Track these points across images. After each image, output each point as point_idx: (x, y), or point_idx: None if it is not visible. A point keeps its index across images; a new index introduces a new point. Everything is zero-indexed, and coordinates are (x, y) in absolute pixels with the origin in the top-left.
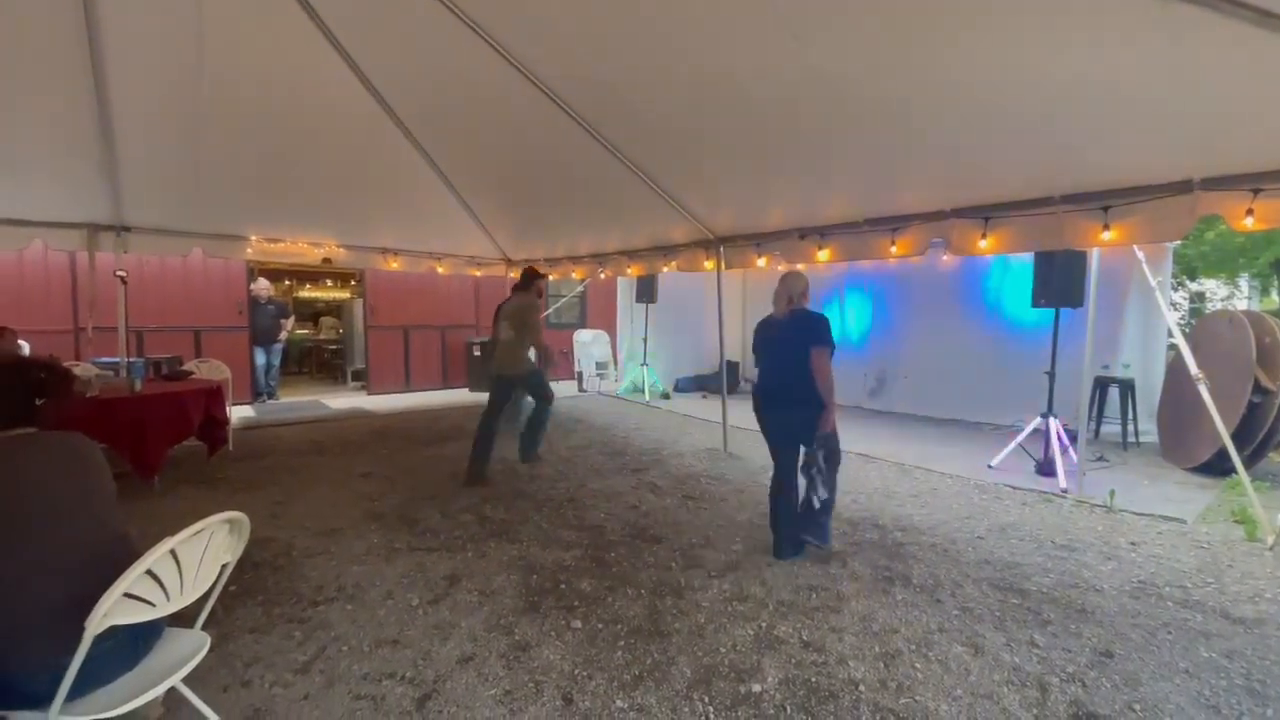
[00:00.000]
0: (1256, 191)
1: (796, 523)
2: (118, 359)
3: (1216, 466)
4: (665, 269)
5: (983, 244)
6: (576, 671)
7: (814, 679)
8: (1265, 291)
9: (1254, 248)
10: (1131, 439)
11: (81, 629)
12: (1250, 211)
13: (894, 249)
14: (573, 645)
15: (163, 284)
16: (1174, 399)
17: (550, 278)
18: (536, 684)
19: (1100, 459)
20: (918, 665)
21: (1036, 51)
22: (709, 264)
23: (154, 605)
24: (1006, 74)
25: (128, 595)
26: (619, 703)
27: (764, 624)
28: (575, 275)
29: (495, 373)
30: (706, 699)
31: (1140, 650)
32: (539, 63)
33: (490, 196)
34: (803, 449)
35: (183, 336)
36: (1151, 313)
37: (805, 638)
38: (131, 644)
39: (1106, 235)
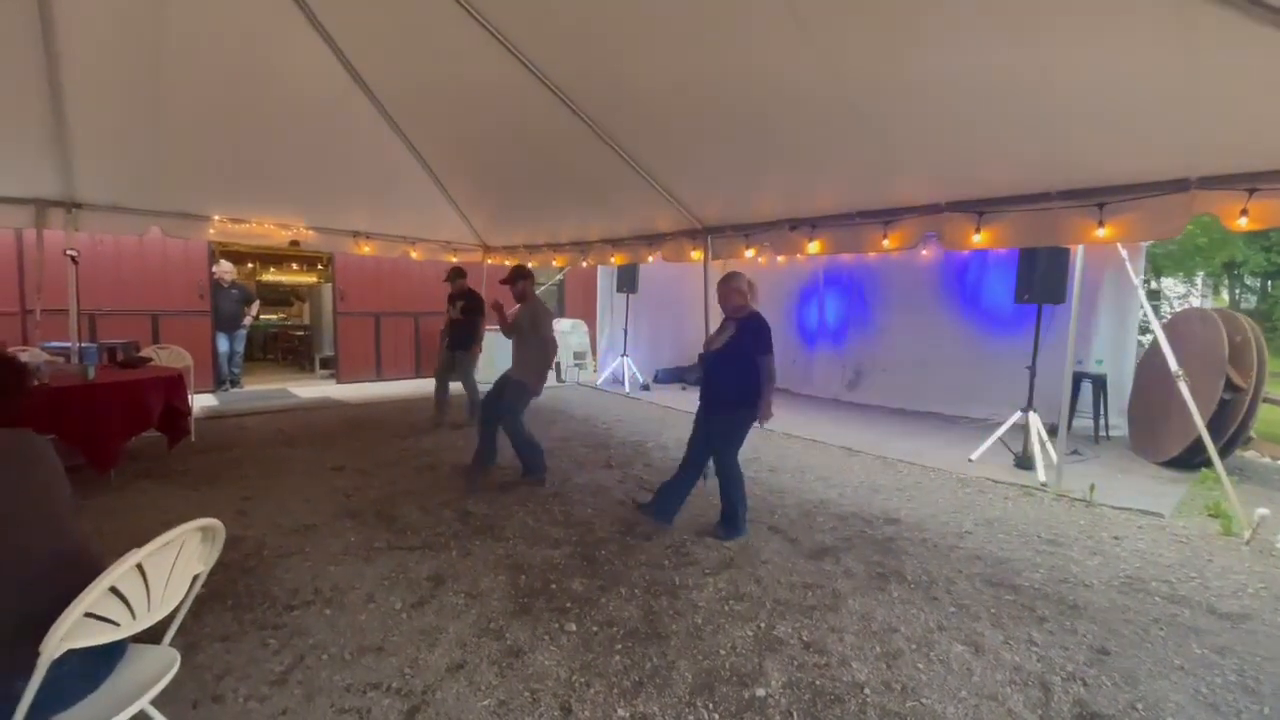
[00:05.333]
0: (1252, 191)
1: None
2: (69, 344)
3: (1186, 461)
4: (650, 259)
5: (976, 239)
6: (574, 678)
7: (818, 682)
8: (1216, 290)
9: (1210, 248)
10: (1102, 433)
11: (36, 649)
12: (1245, 211)
13: (886, 242)
14: (568, 650)
15: (118, 265)
16: (1144, 395)
17: (530, 265)
18: (532, 693)
19: (1074, 453)
20: (920, 666)
21: (1037, 46)
22: (695, 254)
23: (118, 625)
24: (1006, 68)
25: (89, 615)
26: (620, 712)
27: (763, 624)
28: (556, 263)
29: None
30: (711, 705)
31: (1135, 647)
32: (525, 39)
33: (468, 179)
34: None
35: (139, 320)
36: (1123, 309)
37: (805, 638)
38: (93, 664)
39: (1101, 232)
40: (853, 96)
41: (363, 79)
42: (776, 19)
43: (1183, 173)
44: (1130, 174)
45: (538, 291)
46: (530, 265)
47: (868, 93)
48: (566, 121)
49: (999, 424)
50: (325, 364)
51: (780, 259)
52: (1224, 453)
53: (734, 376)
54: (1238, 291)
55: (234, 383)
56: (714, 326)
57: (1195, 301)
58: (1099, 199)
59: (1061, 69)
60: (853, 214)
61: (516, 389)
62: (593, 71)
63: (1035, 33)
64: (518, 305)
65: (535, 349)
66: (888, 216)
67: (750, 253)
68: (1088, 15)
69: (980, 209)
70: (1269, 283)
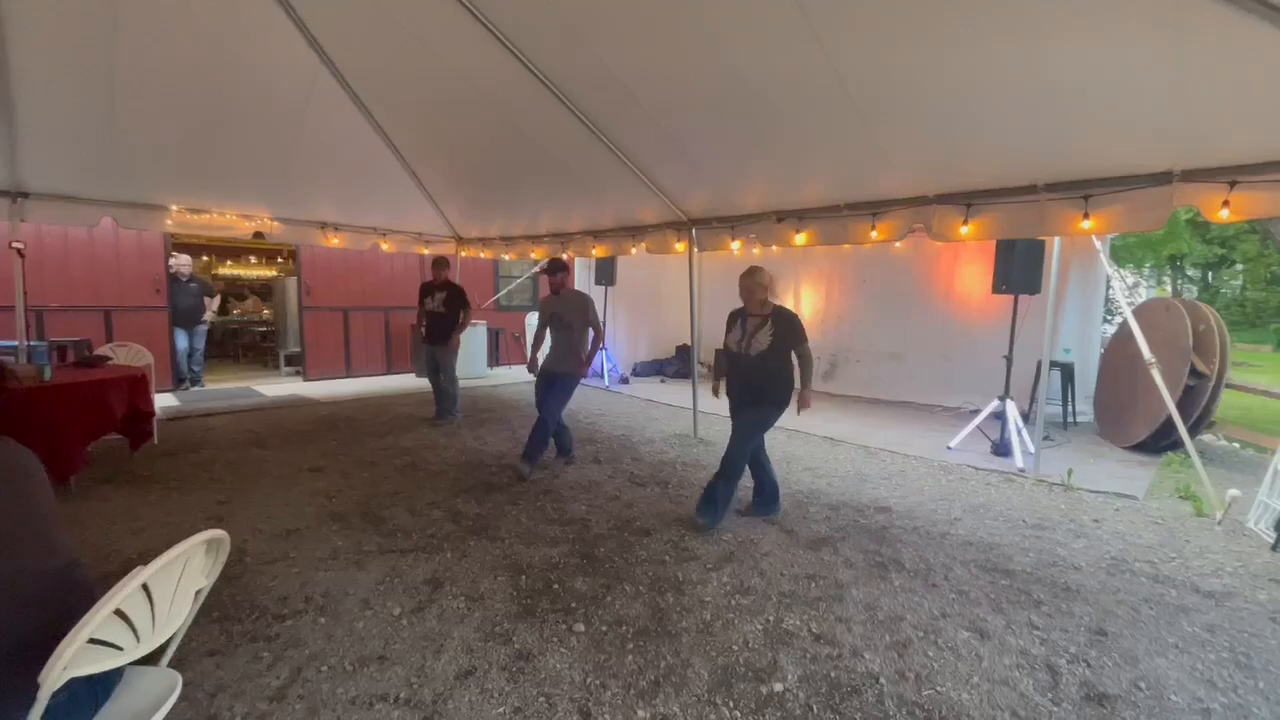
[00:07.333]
0: (1233, 184)
1: None
2: (16, 342)
3: (1152, 445)
4: (633, 250)
5: (964, 230)
6: (588, 681)
7: (833, 674)
8: (1159, 281)
9: (1161, 240)
10: (1070, 419)
11: (29, 678)
12: (1226, 203)
13: (874, 234)
14: (578, 651)
15: (66, 257)
16: (1111, 382)
17: (507, 257)
18: (548, 698)
19: (1047, 439)
20: (930, 654)
21: (1026, 41)
22: (680, 246)
23: (121, 649)
24: (994, 63)
25: (91, 640)
26: (641, 713)
27: (771, 617)
28: (534, 255)
29: None
30: (730, 703)
31: (1130, 627)
32: (504, 19)
33: (441, 167)
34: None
35: (90, 317)
36: (1089, 299)
37: (815, 630)
38: (90, 690)
39: (1086, 224)
40: (842, 88)
41: (331, 60)
42: (770, 9)
43: (1166, 166)
44: (1115, 167)
45: (512, 286)
46: (507, 258)
47: (857, 85)
48: (547, 107)
49: (971, 412)
50: (291, 361)
51: (756, 250)
52: (1189, 435)
53: (779, 372)
54: (1180, 282)
55: (195, 381)
56: (705, 320)
57: (1143, 292)
58: (1085, 191)
59: (1050, 64)
60: (840, 206)
61: (570, 382)
62: (575, 54)
63: (1024, 28)
64: (549, 295)
65: (582, 336)
66: (875, 208)
67: (736, 245)
68: (1076, 11)
69: (968, 201)
70: (1209, 273)
